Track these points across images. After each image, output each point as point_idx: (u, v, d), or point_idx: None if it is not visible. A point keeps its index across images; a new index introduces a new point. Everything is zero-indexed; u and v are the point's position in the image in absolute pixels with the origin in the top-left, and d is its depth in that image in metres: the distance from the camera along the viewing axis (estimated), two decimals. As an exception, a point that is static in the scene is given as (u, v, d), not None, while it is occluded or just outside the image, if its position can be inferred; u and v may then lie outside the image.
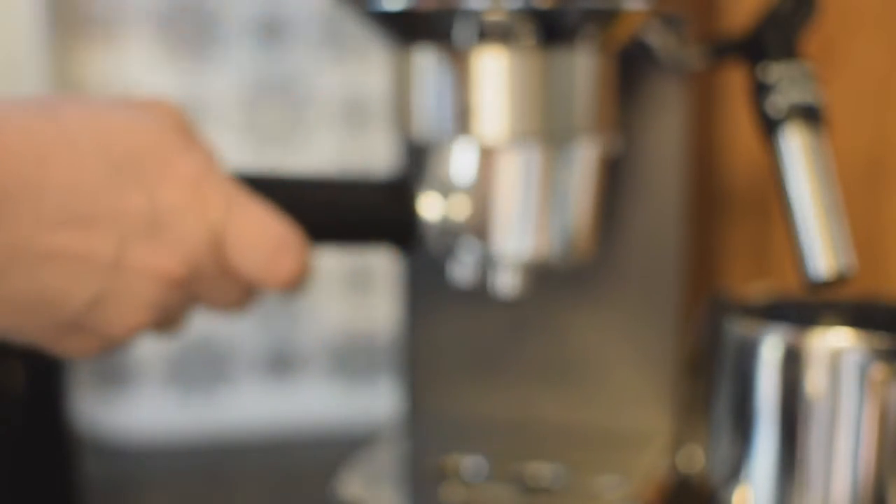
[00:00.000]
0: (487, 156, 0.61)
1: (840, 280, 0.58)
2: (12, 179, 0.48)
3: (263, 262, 0.57)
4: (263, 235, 0.57)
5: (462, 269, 0.64)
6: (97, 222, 0.51)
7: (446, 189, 0.62)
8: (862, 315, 0.68)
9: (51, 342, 0.54)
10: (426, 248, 0.64)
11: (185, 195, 0.54)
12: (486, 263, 0.64)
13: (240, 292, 0.58)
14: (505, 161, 0.61)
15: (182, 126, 0.57)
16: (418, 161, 0.71)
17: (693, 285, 0.76)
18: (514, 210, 0.62)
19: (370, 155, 0.87)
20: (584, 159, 0.62)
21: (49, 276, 0.50)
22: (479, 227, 0.62)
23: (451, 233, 0.62)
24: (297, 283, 0.59)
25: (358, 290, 0.89)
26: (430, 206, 0.62)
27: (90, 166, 0.51)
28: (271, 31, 0.86)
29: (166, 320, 0.57)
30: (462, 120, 0.61)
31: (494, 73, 0.60)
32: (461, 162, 0.62)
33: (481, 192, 0.62)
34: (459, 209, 0.62)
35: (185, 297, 0.56)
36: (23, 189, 0.48)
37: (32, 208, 0.49)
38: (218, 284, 0.57)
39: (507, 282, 0.64)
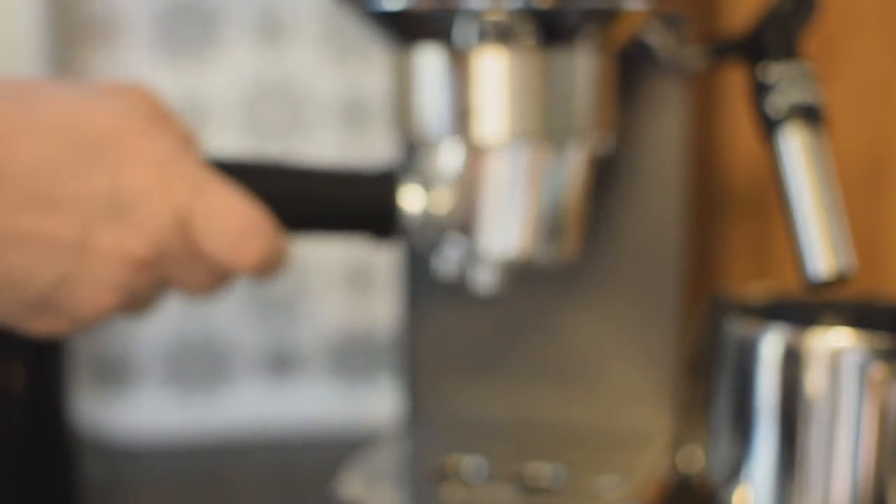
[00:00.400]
0: (475, 152, 0.61)
1: (840, 280, 0.58)
2: None
3: (231, 244, 0.57)
4: (231, 218, 0.57)
5: (446, 264, 0.64)
6: (61, 204, 0.52)
7: (430, 182, 0.62)
8: (862, 315, 0.68)
9: (19, 321, 0.55)
10: (409, 241, 0.63)
11: (150, 178, 0.54)
12: (470, 259, 0.64)
13: (211, 276, 0.59)
14: (492, 158, 0.61)
15: (154, 110, 0.57)
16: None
17: (693, 285, 0.76)
18: (499, 207, 0.62)
19: (370, 155, 0.87)
20: (572, 158, 0.62)
21: (12, 258, 0.51)
22: (463, 222, 0.62)
23: (434, 227, 0.62)
24: (268, 268, 0.59)
25: (358, 289, 0.89)
26: (412, 199, 0.62)
27: (55, 149, 0.52)
28: (271, 30, 0.86)
29: (135, 302, 0.58)
30: (461, 120, 0.61)
31: (494, 73, 0.60)
32: (447, 156, 0.62)
33: (466, 187, 0.62)
34: (442, 203, 0.62)
35: (154, 279, 0.56)
36: None
37: None
38: (188, 267, 0.57)
39: (486, 279, 0.64)
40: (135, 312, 0.59)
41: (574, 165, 0.63)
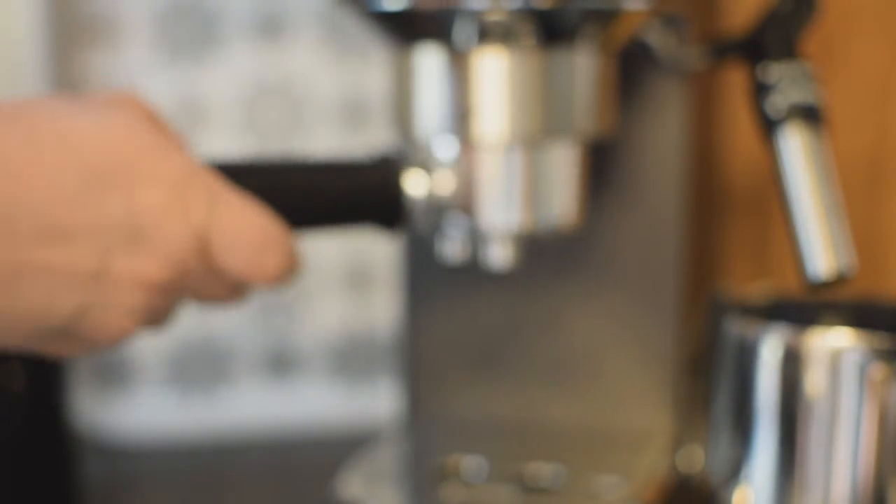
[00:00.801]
0: (473, 147, 0.61)
1: (840, 280, 0.58)
2: None
3: (249, 259, 0.55)
4: (248, 233, 0.55)
5: (451, 245, 0.64)
6: (75, 235, 0.50)
7: (430, 166, 0.62)
8: (862, 315, 0.68)
9: (38, 347, 0.53)
10: (413, 227, 0.63)
11: (166, 198, 0.52)
12: (475, 237, 0.63)
13: (228, 289, 0.58)
14: (490, 151, 0.61)
15: (154, 122, 0.55)
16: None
17: (693, 285, 0.76)
18: (499, 185, 0.62)
19: (370, 155, 0.87)
20: (568, 146, 0.62)
21: (29, 291, 0.50)
22: (464, 201, 0.62)
23: (438, 209, 0.62)
24: (284, 278, 0.58)
25: (357, 289, 0.89)
26: (415, 182, 0.62)
27: (64, 178, 0.50)
28: (271, 30, 0.86)
29: (153, 320, 0.56)
30: (461, 120, 0.61)
31: (494, 73, 0.60)
32: (446, 148, 0.62)
33: (465, 169, 0.62)
34: (445, 184, 0.62)
35: (172, 298, 0.55)
36: None
37: (6, 226, 0.48)
38: (205, 283, 0.56)
39: (499, 254, 0.64)
40: (151, 328, 0.58)
41: (570, 150, 0.63)
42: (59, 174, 0.50)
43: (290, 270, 0.58)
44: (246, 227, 0.55)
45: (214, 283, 0.56)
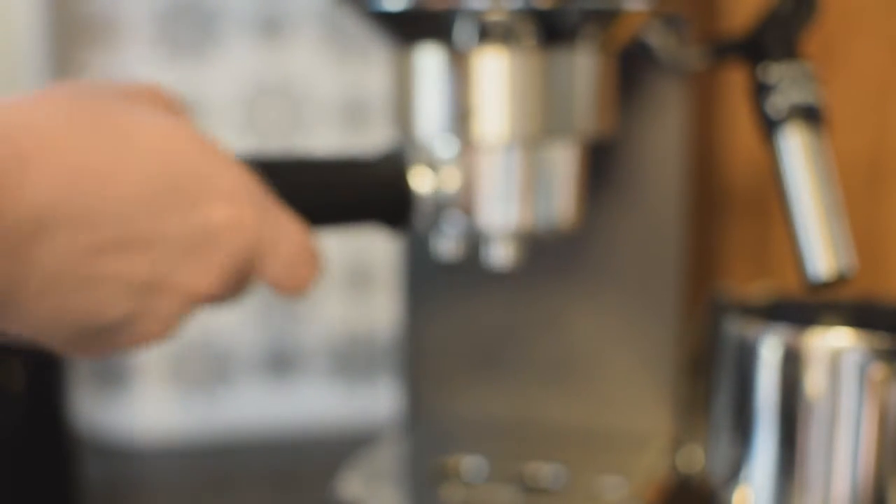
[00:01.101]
0: (473, 147, 0.61)
1: (840, 280, 0.58)
2: (52, 211, 0.46)
3: (286, 271, 0.56)
4: (290, 246, 0.56)
5: (446, 243, 0.64)
6: (137, 247, 0.50)
7: (434, 163, 0.62)
8: (862, 315, 0.68)
9: (65, 349, 0.53)
10: (416, 225, 0.63)
11: (227, 213, 0.52)
12: (473, 236, 0.63)
13: (244, 291, 0.58)
14: (490, 152, 0.61)
15: (181, 112, 0.55)
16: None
17: (693, 285, 0.76)
18: (499, 184, 0.62)
19: (370, 155, 0.87)
20: (568, 145, 0.62)
21: (85, 300, 0.49)
22: (465, 201, 0.62)
23: (442, 206, 0.62)
24: (312, 287, 0.58)
25: (358, 289, 0.89)
26: (421, 179, 0.61)
27: (141, 189, 0.50)
28: (271, 30, 0.86)
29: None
30: (462, 120, 0.61)
31: (494, 73, 0.60)
32: (447, 148, 0.62)
33: (466, 167, 0.62)
34: (450, 181, 0.61)
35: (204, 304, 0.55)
36: (63, 220, 0.47)
37: (72, 238, 0.48)
38: (234, 289, 0.56)
39: (501, 254, 0.64)
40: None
41: (570, 150, 0.63)
42: (139, 185, 0.49)
43: (316, 279, 0.58)
44: (289, 240, 0.55)
45: (238, 289, 0.56)
